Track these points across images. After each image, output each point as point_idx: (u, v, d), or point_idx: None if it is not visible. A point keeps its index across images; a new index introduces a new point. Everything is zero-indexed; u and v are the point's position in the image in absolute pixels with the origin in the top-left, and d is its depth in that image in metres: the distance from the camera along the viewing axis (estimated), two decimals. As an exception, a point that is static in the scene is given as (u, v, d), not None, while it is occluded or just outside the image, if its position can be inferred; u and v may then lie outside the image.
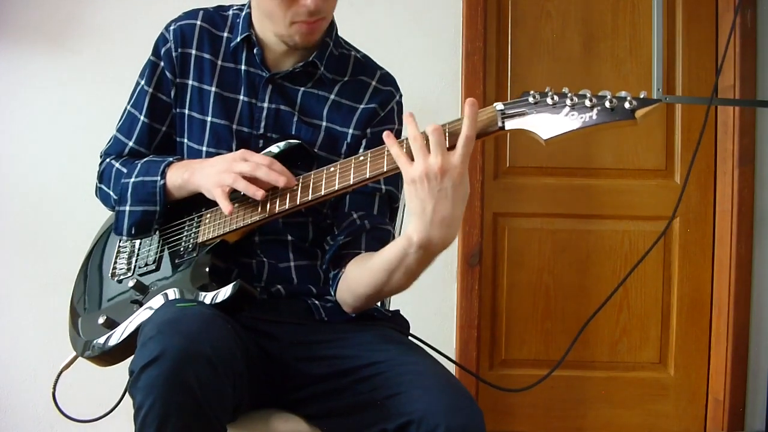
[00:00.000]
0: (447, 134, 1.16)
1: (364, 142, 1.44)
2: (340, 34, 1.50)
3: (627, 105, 1.08)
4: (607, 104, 1.09)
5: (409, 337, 1.43)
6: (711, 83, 2.54)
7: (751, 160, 2.54)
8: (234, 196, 1.32)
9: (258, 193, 1.28)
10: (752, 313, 2.54)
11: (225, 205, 1.29)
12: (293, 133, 1.43)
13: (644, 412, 2.67)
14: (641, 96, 1.09)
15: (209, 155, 1.42)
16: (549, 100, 1.12)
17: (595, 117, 1.09)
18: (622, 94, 1.09)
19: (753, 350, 2.54)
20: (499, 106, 1.15)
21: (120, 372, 1.21)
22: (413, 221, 1.18)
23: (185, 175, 1.37)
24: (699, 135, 2.13)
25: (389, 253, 1.26)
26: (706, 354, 2.65)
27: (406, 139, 1.19)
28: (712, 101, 2.30)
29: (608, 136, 2.62)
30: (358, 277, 1.35)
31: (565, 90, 1.13)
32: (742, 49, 2.51)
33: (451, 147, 1.14)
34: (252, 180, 1.29)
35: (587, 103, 1.10)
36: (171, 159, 1.43)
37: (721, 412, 2.56)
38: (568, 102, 1.11)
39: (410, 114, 1.20)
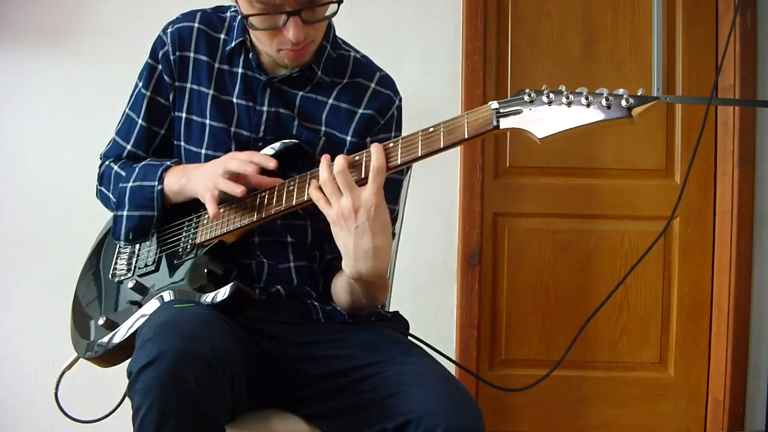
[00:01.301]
0: (364, 168, 1.21)
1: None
2: (340, 34, 1.50)
3: (623, 103, 1.05)
4: (604, 102, 1.06)
5: (409, 337, 1.42)
6: (711, 83, 2.53)
7: (751, 160, 2.53)
8: (227, 198, 1.32)
9: (237, 190, 1.28)
10: (752, 313, 2.54)
11: (211, 209, 1.29)
12: (294, 135, 1.42)
13: (644, 412, 2.67)
14: (638, 93, 1.06)
15: (208, 158, 1.41)
16: (544, 98, 1.10)
17: (591, 115, 1.06)
18: (619, 91, 1.06)
19: (753, 350, 2.54)
20: (494, 104, 1.14)
21: (120, 373, 1.21)
22: (343, 258, 1.26)
23: (182, 181, 1.37)
24: (699, 135, 2.12)
25: (341, 282, 1.36)
26: (706, 354, 2.65)
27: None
28: (712, 101, 2.30)
29: (608, 135, 2.62)
30: (336, 293, 1.41)
31: (561, 88, 1.10)
32: (742, 49, 2.51)
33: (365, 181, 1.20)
34: (237, 178, 1.30)
35: (583, 100, 1.07)
36: (169, 163, 1.42)
37: (721, 412, 2.55)
38: (564, 100, 1.08)
39: (325, 157, 1.24)
